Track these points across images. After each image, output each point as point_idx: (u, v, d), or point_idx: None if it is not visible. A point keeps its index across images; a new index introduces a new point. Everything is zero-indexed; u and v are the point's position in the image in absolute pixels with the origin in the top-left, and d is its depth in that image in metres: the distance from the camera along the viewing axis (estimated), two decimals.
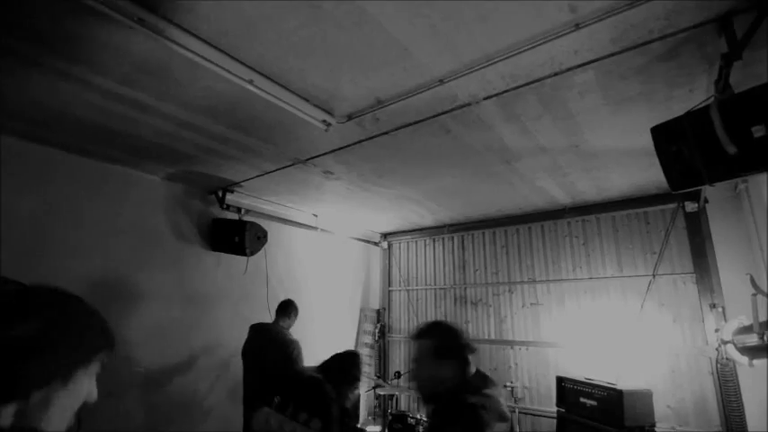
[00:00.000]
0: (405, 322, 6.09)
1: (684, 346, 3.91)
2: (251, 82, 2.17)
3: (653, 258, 4.20)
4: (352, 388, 2.16)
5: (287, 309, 3.60)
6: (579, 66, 2.12)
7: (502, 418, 1.48)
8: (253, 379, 3.32)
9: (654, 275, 4.15)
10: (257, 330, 3.48)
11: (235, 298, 4.35)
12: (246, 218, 4.39)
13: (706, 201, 3.87)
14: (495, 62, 2.05)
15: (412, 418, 3.81)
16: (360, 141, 3.02)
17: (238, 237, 4.08)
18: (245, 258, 4.32)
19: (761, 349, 2.30)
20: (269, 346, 3.28)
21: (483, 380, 1.53)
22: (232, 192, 4.27)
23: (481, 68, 2.11)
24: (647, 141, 2.00)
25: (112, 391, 3.20)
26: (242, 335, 3.59)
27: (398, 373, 4.84)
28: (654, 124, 1.94)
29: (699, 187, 2.59)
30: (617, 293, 4.36)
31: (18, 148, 2.98)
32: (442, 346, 1.53)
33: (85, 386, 0.74)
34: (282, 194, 4.47)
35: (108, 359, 0.77)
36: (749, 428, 3.40)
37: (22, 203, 2.97)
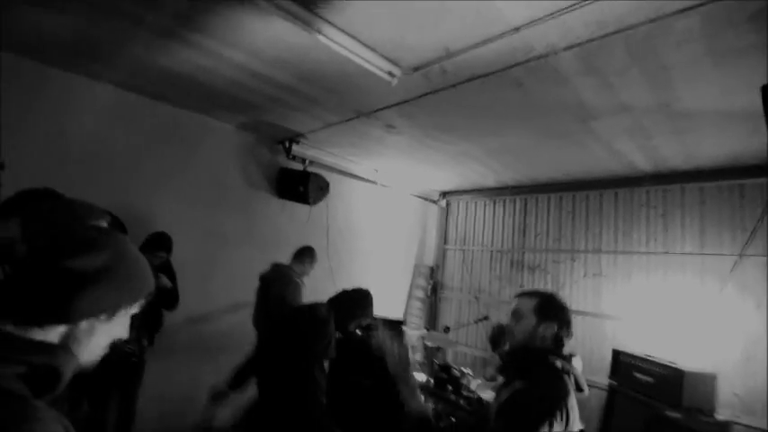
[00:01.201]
0: (458, 281, 6.13)
1: (765, 333, 3.56)
2: (319, 31, 2.17)
3: (743, 236, 3.76)
4: (355, 323, 2.27)
5: (302, 254, 3.70)
6: (682, 10, 1.85)
7: (579, 388, 1.51)
8: (257, 307, 3.54)
9: (741, 255, 3.75)
10: (272, 267, 3.61)
11: (297, 244, 4.60)
12: (310, 169, 4.56)
13: None
14: (582, 6, 1.85)
15: (456, 369, 3.93)
16: (425, 95, 2.94)
17: (302, 186, 4.27)
18: (307, 207, 4.54)
19: None
20: (273, 282, 3.42)
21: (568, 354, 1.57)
22: (298, 143, 4.42)
23: (563, 14, 1.92)
24: (754, 102, 1.75)
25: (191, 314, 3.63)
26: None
27: (447, 327, 4.94)
28: (765, 82, 1.68)
29: None
30: (694, 271, 4.01)
31: (115, 96, 3.32)
32: (547, 306, 1.57)
33: (123, 326, 0.80)
34: (345, 147, 4.54)
35: (144, 304, 0.82)
36: None
37: (116, 142, 3.35)
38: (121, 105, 3.39)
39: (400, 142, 4.13)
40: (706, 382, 3.04)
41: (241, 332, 4.15)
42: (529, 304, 1.59)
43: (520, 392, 1.43)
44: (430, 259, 6.46)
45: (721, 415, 3.16)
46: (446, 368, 3.95)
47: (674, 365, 3.03)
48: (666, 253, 4.20)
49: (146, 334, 3.09)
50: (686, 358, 3.58)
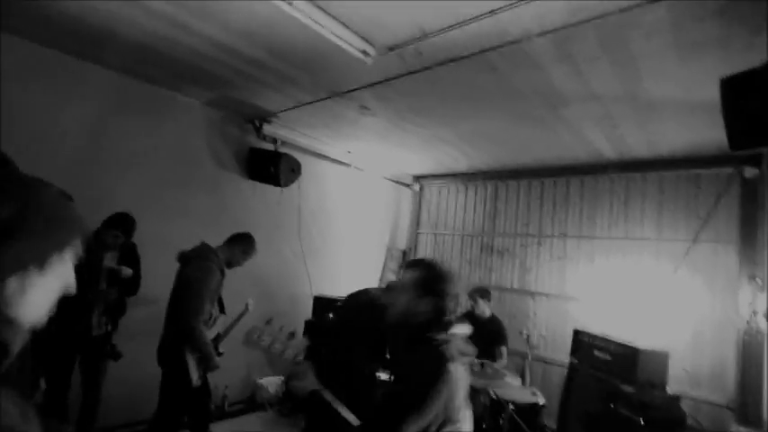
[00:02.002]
0: None
1: (713, 314, 3.82)
2: (289, 3, 2.09)
3: (697, 223, 3.99)
4: None
5: (236, 241, 3.02)
6: (652, 1, 1.89)
7: (463, 354, 1.49)
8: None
9: (694, 241, 3.98)
10: (198, 245, 2.93)
11: (268, 227, 4.53)
12: (282, 149, 4.45)
13: None
14: None
15: None
16: (400, 76, 2.90)
17: (273, 167, 4.17)
18: (279, 189, 4.45)
19: None
20: (189, 262, 2.83)
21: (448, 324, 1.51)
22: (269, 122, 4.29)
23: None
24: (714, 95, 1.82)
25: (157, 297, 3.53)
26: (273, 262, 3.77)
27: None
28: (726, 75, 1.75)
29: (762, 149, 2.37)
30: (650, 256, 4.23)
31: (74, 66, 3.12)
32: (427, 279, 1.49)
33: (63, 274, 0.73)
34: (317, 128, 4.46)
35: (80, 248, 0.75)
36: (765, 405, 3.38)
37: (74, 116, 3.13)
38: (80, 77, 3.18)
39: (374, 124, 4.09)
40: (658, 360, 3.24)
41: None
42: (411, 277, 1.51)
43: (402, 376, 1.42)
44: (402, 243, 6.51)
45: (671, 389, 3.40)
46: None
47: (629, 344, 3.20)
48: (626, 238, 4.41)
49: (109, 319, 2.99)
50: (641, 337, 3.80)
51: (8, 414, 0.61)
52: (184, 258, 2.90)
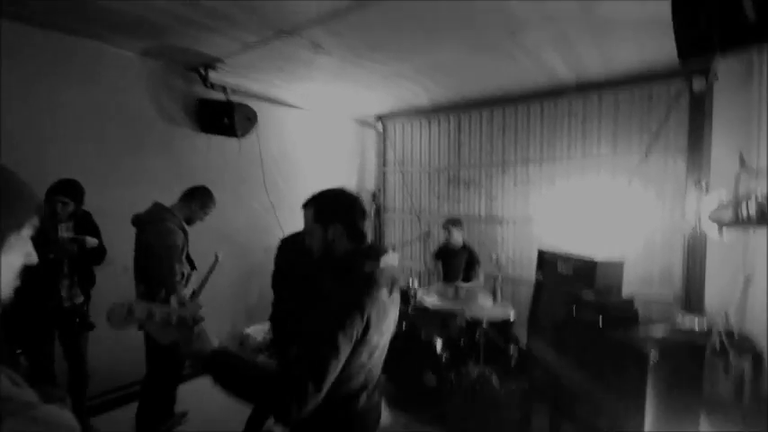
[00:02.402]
0: (399, 202, 6.31)
1: (662, 221, 4.15)
2: None
3: (649, 137, 4.19)
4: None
5: (191, 196, 2.92)
6: None
7: (393, 282, 1.47)
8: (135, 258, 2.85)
9: (646, 154, 4.19)
10: (150, 207, 2.84)
11: (231, 181, 4.40)
12: (234, 98, 4.21)
13: (716, 77, 3.69)
14: None
15: (404, 284, 4.22)
16: (351, 9, 2.72)
17: (227, 118, 3.97)
18: (236, 141, 4.27)
19: (732, 223, 2.44)
20: (145, 226, 2.75)
21: (376, 250, 1.49)
22: (215, 69, 3.99)
23: None
24: (665, 9, 1.83)
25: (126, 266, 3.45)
26: (242, 217, 3.71)
27: (393, 247, 5.19)
28: None
29: (710, 57, 2.44)
30: (607, 172, 4.46)
31: None
32: (322, 210, 1.45)
33: (21, 250, 0.74)
34: (270, 72, 4.19)
35: (36, 222, 0.76)
36: (706, 296, 3.82)
37: None
38: None
39: (330, 64, 3.89)
40: (614, 268, 3.53)
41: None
42: (309, 215, 1.46)
43: (323, 299, 1.36)
44: (371, 183, 6.52)
45: (626, 292, 3.76)
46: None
47: (588, 258, 3.46)
48: (584, 157, 4.59)
49: (78, 291, 2.92)
50: (599, 250, 4.11)
51: (3, 387, 0.62)
52: (139, 222, 2.79)
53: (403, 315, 3.94)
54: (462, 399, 3.40)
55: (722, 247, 3.56)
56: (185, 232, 2.83)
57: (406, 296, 4.09)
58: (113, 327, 1.23)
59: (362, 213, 1.48)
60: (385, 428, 2.98)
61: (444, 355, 3.44)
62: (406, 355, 3.34)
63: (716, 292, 3.72)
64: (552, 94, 4.70)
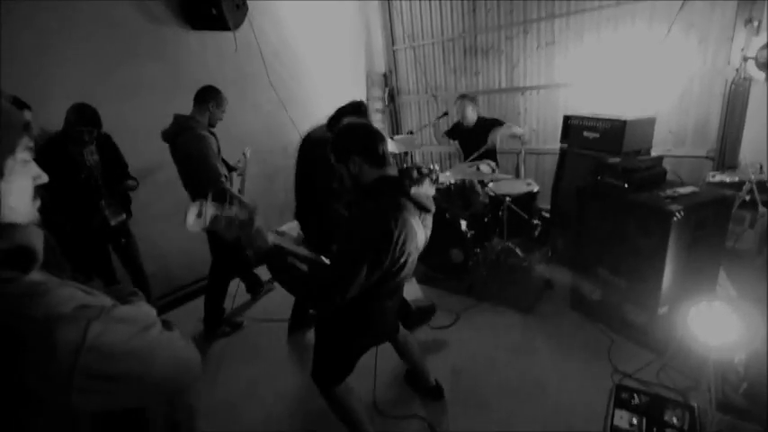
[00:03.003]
0: (413, 82, 5.94)
1: (704, 67, 3.75)
2: None
3: None
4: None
5: (203, 97, 2.88)
6: None
7: (422, 208, 1.64)
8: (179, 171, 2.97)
9: None
10: (173, 120, 2.89)
11: (234, 80, 4.18)
12: None
13: None
14: None
15: (425, 167, 4.19)
16: None
17: (215, 8, 3.61)
18: (231, 34, 3.95)
19: None
20: (177, 138, 2.81)
21: (406, 179, 1.63)
22: None
23: None
24: None
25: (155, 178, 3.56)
26: (253, 118, 3.59)
27: (411, 131, 5.04)
28: None
29: None
30: (643, 19, 3.92)
31: None
32: (338, 149, 1.58)
33: (27, 171, 0.75)
34: None
35: (29, 143, 0.75)
36: (741, 150, 3.59)
37: None
38: None
39: None
40: (645, 126, 3.33)
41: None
42: (329, 154, 1.60)
43: (351, 219, 1.59)
44: (381, 65, 6.08)
45: (656, 151, 3.60)
46: (415, 168, 4.20)
47: (617, 118, 3.24)
48: (618, 3, 4.01)
49: (119, 209, 3.07)
50: (631, 109, 3.84)
51: (75, 298, 0.67)
52: (169, 136, 2.87)
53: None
54: (487, 270, 3.63)
55: (766, 94, 3.25)
56: (214, 135, 2.89)
57: (427, 174, 4.09)
58: (189, 228, 1.41)
59: (374, 138, 1.58)
60: (419, 299, 3.30)
61: (470, 233, 3.56)
62: (433, 235, 3.48)
63: (753, 143, 3.50)
64: None
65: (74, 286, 0.70)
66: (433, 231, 1.81)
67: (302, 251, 1.64)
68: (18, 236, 0.69)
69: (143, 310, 0.81)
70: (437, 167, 4.25)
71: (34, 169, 0.77)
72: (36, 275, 0.69)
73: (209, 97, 2.88)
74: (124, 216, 3.11)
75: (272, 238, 1.52)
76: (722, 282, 2.59)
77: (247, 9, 3.88)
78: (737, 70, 3.44)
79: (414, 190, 1.60)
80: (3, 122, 0.71)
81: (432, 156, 6.02)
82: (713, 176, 3.30)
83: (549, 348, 2.75)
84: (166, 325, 0.81)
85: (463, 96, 4.11)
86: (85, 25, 3.19)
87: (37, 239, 0.71)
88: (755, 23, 3.31)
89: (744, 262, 2.89)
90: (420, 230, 1.62)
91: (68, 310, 0.64)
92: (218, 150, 2.88)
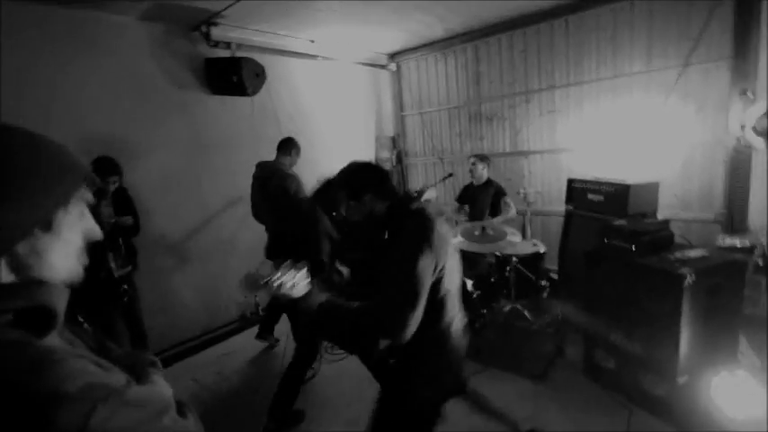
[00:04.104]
0: (420, 146, 6.17)
1: (703, 136, 3.86)
2: None
3: (688, 45, 3.78)
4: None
5: (287, 146, 3.49)
6: None
7: (440, 213, 1.58)
8: (257, 212, 3.58)
9: (685, 65, 3.82)
10: (260, 167, 3.49)
11: (248, 141, 4.39)
12: (239, 54, 4.08)
13: None
14: None
15: None
16: None
17: (236, 76, 3.88)
18: (249, 99, 4.21)
19: None
20: (268, 180, 3.33)
21: (416, 194, 1.69)
22: (216, 25, 3.86)
23: None
24: None
25: (163, 233, 3.62)
26: None
27: (417, 192, 5.13)
28: None
29: None
30: (640, 90, 4.12)
31: None
32: (352, 187, 1.58)
33: (76, 226, 0.69)
34: (274, 20, 4.02)
35: (88, 193, 0.70)
36: (750, 213, 3.60)
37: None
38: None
39: (334, 2, 3.66)
40: (649, 190, 3.37)
41: (222, 236, 4.24)
42: (342, 196, 1.60)
43: (391, 244, 1.52)
44: (390, 129, 6.36)
45: (662, 214, 3.60)
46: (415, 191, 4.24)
47: (620, 182, 3.30)
48: (615, 77, 4.24)
49: (124, 261, 3.10)
50: (633, 173, 3.91)
51: (86, 373, 0.59)
52: (260, 179, 3.38)
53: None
54: (495, 333, 3.50)
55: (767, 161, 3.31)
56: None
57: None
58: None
59: (385, 174, 1.63)
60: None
61: (476, 293, 3.49)
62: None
63: (760, 208, 3.50)
64: (577, 7, 4.28)
65: (88, 358, 0.63)
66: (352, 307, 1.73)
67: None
68: (39, 294, 0.63)
69: (158, 390, 0.71)
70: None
71: (89, 223, 0.71)
72: (52, 340, 0.63)
73: (291, 146, 3.50)
74: (130, 268, 3.13)
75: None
76: (744, 350, 2.46)
77: (266, 78, 4.17)
78: (738, 138, 3.54)
79: (424, 198, 1.67)
80: (59, 170, 0.65)
81: None
82: (723, 240, 3.27)
83: (564, 421, 2.56)
84: (181, 408, 0.71)
85: (476, 156, 4.25)
86: (112, 81, 3.43)
87: (60, 299, 0.65)
88: (750, 94, 3.45)
89: (765, 329, 2.76)
90: (448, 235, 1.57)
91: (74, 389, 0.56)
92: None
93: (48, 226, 0.64)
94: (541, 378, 2.99)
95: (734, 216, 3.69)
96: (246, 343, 3.89)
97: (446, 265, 1.46)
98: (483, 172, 4.20)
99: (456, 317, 1.59)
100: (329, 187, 1.66)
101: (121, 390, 0.61)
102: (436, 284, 1.43)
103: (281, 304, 2.69)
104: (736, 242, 3.14)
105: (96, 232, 0.73)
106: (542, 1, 4.22)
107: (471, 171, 4.25)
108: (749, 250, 2.88)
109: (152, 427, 0.62)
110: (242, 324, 4.32)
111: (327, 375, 3.29)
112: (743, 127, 3.36)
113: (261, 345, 3.83)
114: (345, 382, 3.15)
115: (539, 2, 4.23)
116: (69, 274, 0.68)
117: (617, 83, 4.24)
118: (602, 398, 2.71)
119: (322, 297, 1.46)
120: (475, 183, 4.25)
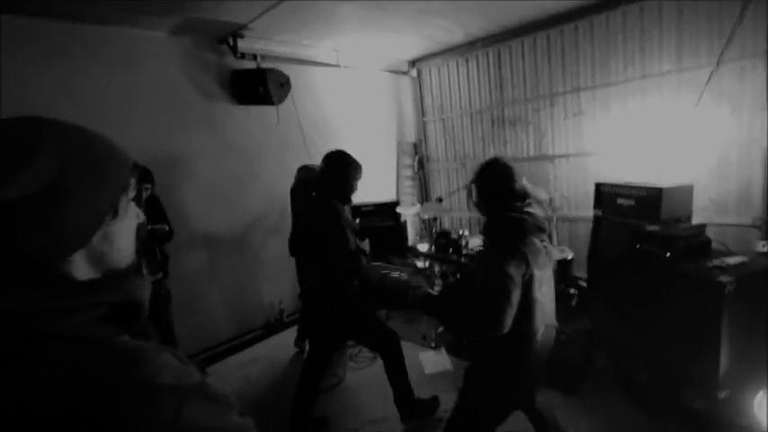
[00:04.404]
0: (442, 151, 6.14)
1: (739, 136, 3.69)
2: None
3: (720, 43, 3.64)
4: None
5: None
6: None
7: (540, 229, 1.74)
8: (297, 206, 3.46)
9: (718, 63, 3.67)
10: (306, 169, 3.51)
11: (274, 149, 4.48)
12: (265, 65, 4.18)
13: None
14: None
15: (454, 233, 4.19)
16: None
17: (262, 86, 3.97)
18: (274, 108, 4.30)
19: None
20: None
21: (524, 195, 1.80)
22: (242, 37, 3.97)
23: None
24: None
25: (194, 238, 3.72)
26: (289, 183, 3.79)
27: (440, 198, 5.11)
28: None
29: None
30: (671, 91, 3.98)
31: (16, 24, 2.84)
32: (477, 181, 1.84)
33: (132, 210, 0.72)
34: (297, 31, 4.10)
35: (135, 183, 0.73)
36: None
37: (28, 85, 2.92)
38: (33, 35, 2.94)
39: (354, 12, 3.71)
40: (683, 194, 3.24)
41: (248, 244, 4.32)
42: (471, 185, 1.89)
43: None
44: (411, 135, 6.37)
45: (697, 219, 3.46)
46: (444, 234, 4.21)
47: (652, 186, 3.18)
48: (644, 77, 4.12)
49: (157, 268, 3.20)
50: (666, 176, 3.78)
51: (170, 369, 0.61)
52: (303, 193, 3.27)
53: (457, 265, 3.95)
54: None
55: None
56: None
57: (457, 246, 4.07)
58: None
59: (511, 178, 1.80)
60: (448, 372, 3.11)
61: None
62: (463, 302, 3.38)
63: None
64: (603, 6, 4.19)
65: (171, 352, 0.64)
66: (463, 297, 1.82)
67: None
68: (128, 287, 0.65)
69: (223, 389, 0.72)
70: (467, 233, 4.25)
71: (135, 207, 0.75)
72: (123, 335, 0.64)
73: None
74: (161, 274, 3.22)
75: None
76: None
77: (290, 87, 4.25)
78: None
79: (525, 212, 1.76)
80: (116, 160, 0.69)
81: (461, 221, 6.03)
82: (764, 246, 3.10)
83: None
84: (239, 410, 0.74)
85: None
86: (145, 95, 3.56)
87: (145, 292, 0.68)
88: None
89: None
90: (542, 247, 1.74)
91: (169, 381, 0.58)
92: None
93: (115, 212, 0.67)
94: (571, 390, 2.91)
95: None
96: (273, 349, 3.94)
97: (534, 273, 1.61)
98: None
99: (541, 329, 1.72)
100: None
101: (204, 384, 0.63)
102: (525, 289, 1.59)
103: (315, 310, 2.71)
104: None
105: (141, 215, 0.76)
106: (566, 2, 4.16)
107: None
108: None
109: (228, 421, 0.64)
110: (266, 331, 4.38)
111: (351, 383, 3.30)
112: None
113: (289, 351, 3.87)
114: (370, 390, 3.15)
115: (561, 3, 4.16)
116: (130, 257, 0.71)
117: (645, 83, 4.12)
118: (633, 412, 2.61)
119: (426, 288, 1.85)
120: None
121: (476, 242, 3.92)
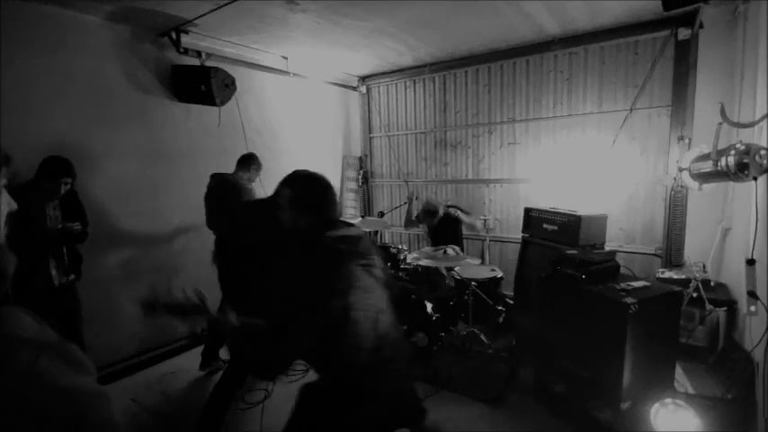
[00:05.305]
0: (386, 167, 6.26)
1: (646, 175, 4.19)
2: None
3: (634, 92, 4.15)
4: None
5: (246, 161, 3.63)
6: None
7: (365, 254, 1.57)
8: (211, 212, 3.29)
9: (631, 109, 4.17)
10: (215, 179, 3.37)
11: (212, 152, 4.29)
12: (209, 63, 4.03)
13: (701, 26, 3.63)
14: None
15: (394, 248, 4.26)
16: None
17: (204, 85, 3.81)
18: (216, 109, 4.13)
19: (712, 175, 2.47)
20: (226, 193, 3.17)
21: (345, 224, 1.63)
22: (187, 32, 3.81)
23: None
24: None
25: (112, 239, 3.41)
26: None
27: (381, 212, 5.19)
28: None
29: (696, 6, 2.38)
30: (592, 129, 4.44)
31: None
32: (297, 199, 1.60)
33: (3, 196, 0.82)
34: (245, 34, 4.01)
35: (6, 172, 0.82)
36: (685, 246, 3.93)
37: None
38: None
39: (306, 22, 3.72)
40: (598, 223, 3.60)
41: (174, 249, 4.05)
42: (286, 194, 1.61)
43: (298, 275, 1.50)
44: (357, 149, 6.43)
45: (609, 246, 3.84)
46: (384, 248, 4.26)
47: (573, 213, 3.51)
48: (570, 115, 4.55)
49: (69, 269, 2.89)
50: (584, 205, 4.16)
51: (29, 327, 0.70)
52: (214, 189, 3.26)
53: (394, 278, 4.00)
54: (452, 356, 3.53)
55: (702, 201, 3.64)
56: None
57: (395, 261, 4.14)
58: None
59: (333, 202, 1.64)
60: None
61: (435, 316, 3.53)
62: (397, 316, 3.43)
63: (695, 243, 3.83)
64: (538, 48, 4.59)
65: (30, 314, 0.73)
66: (397, 313, 1.72)
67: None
68: None
69: (85, 356, 0.82)
70: (405, 248, 4.35)
71: (5, 196, 0.83)
72: None
73: (251, 162, 3.65)
74: (73, 277, 2.92)
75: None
76: (679, 377, 2.62)
77: (236, 89, 4.12)
78: (675, 179, 3.87)
79: (343, 233, 1.56)
80: None
81: (401, 237, 6.14)
82: (662, 273, 3.52)
83: None
84: None
85: (425, 212, 4.26)
86: (71, 81, 3.28)
87: (9, 263, 0.74)
88: (686, 140, 3.81)
89: (698, 358, 2.97)
90: (365, 274, 1.55)
91: (28, 335, 0.67)
92: None
93: None
94: (496, 401, 3.04)
95: (672, 251, 4.00)
96: (195, 361, 3.69)
97: (361, 304, 1.47)
98: (441, 211, 4.20)
99: (384, 350, 1.54)
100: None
101: (64, 343, 0.73)
102: (344, 315, 1.43)
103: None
104: (674, 275, 3.39)
105: (12, 204, 0.86)
106: (507, 40, 4.50)
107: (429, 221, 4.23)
108: (685, 283, 3.11)
109: (83, 383, 0.72)
110: (191, 341, 4.10)
111: (281, 397, 3.18)
112: (680, 169, 3.68)
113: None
114: None
115: (503, 40, 4.49)
116: None
117: (571, 121, 4.56)
118: (552, 423, 2.79)
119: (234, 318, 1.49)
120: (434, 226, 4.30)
121: (415, 257, 4.01)
